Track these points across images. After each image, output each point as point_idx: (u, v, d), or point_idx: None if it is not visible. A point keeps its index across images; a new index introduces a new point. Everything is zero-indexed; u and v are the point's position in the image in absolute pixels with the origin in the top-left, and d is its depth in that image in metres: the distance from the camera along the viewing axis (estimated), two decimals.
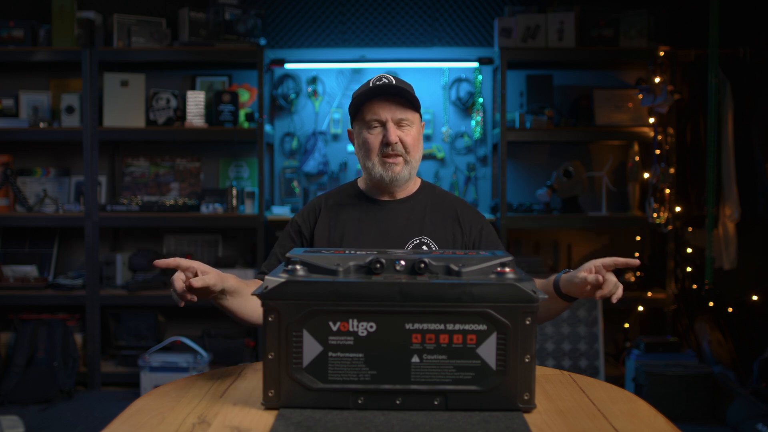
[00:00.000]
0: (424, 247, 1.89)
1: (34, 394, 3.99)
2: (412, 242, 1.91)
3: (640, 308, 4.38)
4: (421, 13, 4.55)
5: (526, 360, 1.28)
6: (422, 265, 1.33)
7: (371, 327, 1.27)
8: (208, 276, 1.57)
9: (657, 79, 4.13)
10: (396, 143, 1.88)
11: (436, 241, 1.92)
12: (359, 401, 1.29)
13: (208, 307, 4.56)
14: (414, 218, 1.95)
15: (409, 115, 1.90)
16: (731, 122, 4.20)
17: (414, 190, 2.01)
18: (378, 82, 1.88)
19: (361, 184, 2.03)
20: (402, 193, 1.99)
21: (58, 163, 4.64)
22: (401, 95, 1.87)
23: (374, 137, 1.90)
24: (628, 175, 4.46)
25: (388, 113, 1.88)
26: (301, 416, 1.26)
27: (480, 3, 4.54)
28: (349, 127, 2.01)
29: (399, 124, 1.89)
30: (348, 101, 4.54)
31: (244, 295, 1.70)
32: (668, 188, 4.16)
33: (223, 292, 1.64)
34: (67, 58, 4.25)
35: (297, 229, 1.99)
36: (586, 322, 4.22)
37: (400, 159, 1.90)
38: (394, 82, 1.89)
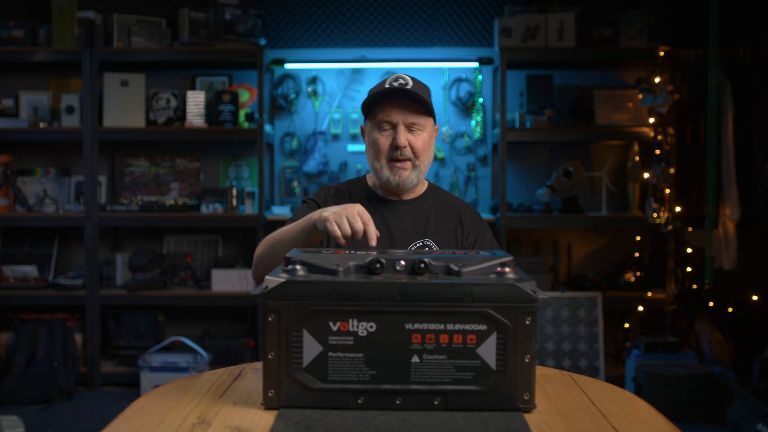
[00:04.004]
0: (427, 250, 1.89)
1: (34, 394, 3.99)
2: (416, 244, 1.91)
3: (640, 308, 4.38)
4: (421, 13, 4.55)
5: (526, 360, 1.28)
6: (422, 265, 1.33)
7: (371, 327, 1.27)
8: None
9: (657, 79, 4.13)
10: (405, 147, 1.87)
11: (439, 243, 1.92)
12: (359, 401, 1.29)
13: (208, 307, 4.56)
14: (419, 220, 1.95)
15: (422, 120, 1.88)
16: (731, 122, 4.20)
17: (421, 192, 2.01)
18: (395, 83, 1.86)
19: (370, 180, 2.03)
20: (409, 195, 1.99)
21: (58, 163, 4.64)
22: (416, 99, 1.85)
23: (384, 139, 1.88)
24: (628, 175, 4.46)
25: (400, 116, 1.86)
26: (301, 416, 1.26)
27: (480, 3, 4.54)
28: (362, 123, 2.00)
29: (410, 128, 1.87)
30: (348, 101, 4.57)
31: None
32: (668, 188, 4.16)
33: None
34: (67, 58, 4.25)
35: (314, 203, 1.98)
36: (586, 322, 4.22)
37: (409, 164, 1.89)
38: (411, 84, 1.86)
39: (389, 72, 4.52)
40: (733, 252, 4.22)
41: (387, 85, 1.87)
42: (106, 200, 4.54)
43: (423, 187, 2.02)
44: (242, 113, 4.37)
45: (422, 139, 1.89)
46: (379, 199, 1.98)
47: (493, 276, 1.31)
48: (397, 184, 1.90)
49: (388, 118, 1.87)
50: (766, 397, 3.52)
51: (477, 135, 4.53)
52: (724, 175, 4.21)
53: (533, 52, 4.22)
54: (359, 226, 1.62)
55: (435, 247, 1.90)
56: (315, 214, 1.70)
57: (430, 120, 1.92)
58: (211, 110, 4.38)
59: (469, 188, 4.58)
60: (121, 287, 4.34)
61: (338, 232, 1.62)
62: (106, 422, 1.29)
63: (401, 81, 1.87)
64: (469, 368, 1.28)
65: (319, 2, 4.55)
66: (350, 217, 1.63)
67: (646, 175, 4.28)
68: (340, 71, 4.57)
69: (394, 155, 1.88)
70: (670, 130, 4.22)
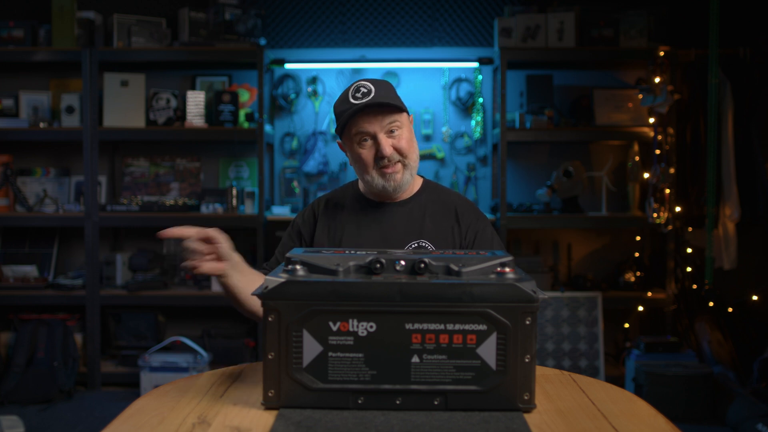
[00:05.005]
0: (422, 251, 1.87)
1: (34, 394, 3.99)
2: (411, 245, 1.88)
3: (640, 308, 4.38)
4: (421, 13, 4.55)
5: (526, 360, 1.28)
6: (422, 265, 1.33)
7: (371, 327, 1.27)
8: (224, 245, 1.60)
9: (657, 79, 4.13)
10: (391, 154, 1.83)
11: (434, 243, 1.89)
12: (359, 401, 1.29)
13: (208, 307, 4.56)
14: (413, 220, 1.92)
15: (396, 118, 1.84)
16: (731, 122, 4.20)
17: (415, 190, 1.97)
18: (357, 94, 1.81)
19: (361, 185, 2.01)
20: (403, 195, 1.95)
21: (58, 163, 4.64)
22: (384, 106, 1.81)
23: (367, 152, 1.84)
24: (628, 175, 4.46)
25: (376, 126, 1.82)
26: (301, 416, 1.26)
27: (480, 3, 4.54)
28: (338, 139, 1.95)
29: (388, 130, 1.84)
30: None
31: (247, 274, 1.70)
32: (668, 188, 4.16)
33: (231, 266, 1.64)
34: (67, 58, 4.25)
35: (297, 230, 1.99)
36: (586, 322, 4.22)
37: (399, 166, 1.86)
38: (373, 90, 1.81)
39: (389, 72, 4.52)
40: (733, 252, 4.22)
41: (351, 99, 1.82)
42: (106, 200, 4.54)
43: (416, 186, 1.98)
44: (242, 113, 4.37)
45: (404, 137, 1.86)
46: (370, 204, 1.96)
47: (493, 276, 1.31)
48: (393, 188, 1.87)
49: (365, 131, 1.83)
50: (766, 397, 3.52)
51: (477, 135, 4.53)
52: (724, 175, 4.21)
53: (533, 52, 4.22)
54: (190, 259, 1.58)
55: (431, 248, 1.88)
56: None
57: (404, 114, 1.87)
58: (211, 110, 4.38)
59: (469, 188, 4.58)
60: (121, 287, 4.34)
61: (196, 267, 1.58)
62: (106, 422, 1.29)
63: (363, 90, 1.82)
64: (469, 368, 1.28)
65: (319, 2, 4.55)
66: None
67: (646, 175, 4.29)
68: (340, 71, 4.57)
69: (383, 164, 1.84)
70: (670, 130, 4.22)
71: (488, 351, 1.28)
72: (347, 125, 1.85)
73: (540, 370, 1.59)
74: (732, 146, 4.19)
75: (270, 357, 1.28)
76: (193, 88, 4.57)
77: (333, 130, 4.56)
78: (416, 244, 1.88)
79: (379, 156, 1.84)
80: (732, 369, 3.96)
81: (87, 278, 4.23)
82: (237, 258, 1.65)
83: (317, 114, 4.58)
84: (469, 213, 1.96)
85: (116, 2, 4.46)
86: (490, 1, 4.54)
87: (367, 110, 1.82)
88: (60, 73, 4.56)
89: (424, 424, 1.23)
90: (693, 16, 4.36)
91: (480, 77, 4.52)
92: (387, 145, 1.83)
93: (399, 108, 1.85)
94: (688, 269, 4.33)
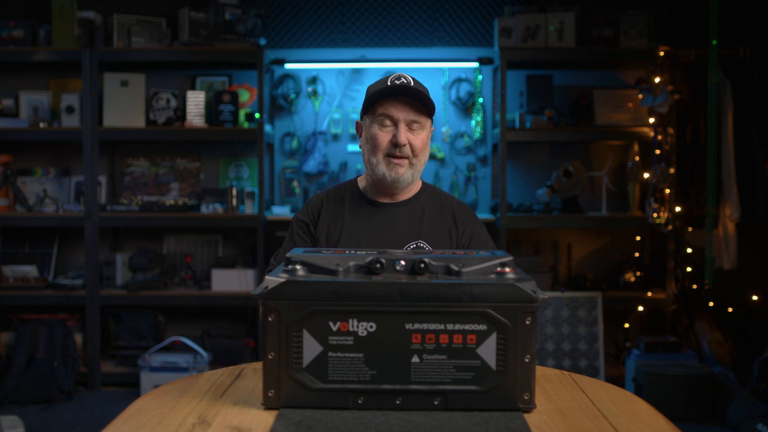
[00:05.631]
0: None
1: (34, 394, 3.98)
2: (409, 246, 1.90)
3: (640, 308, 4.38)
4: (421, 13, 4.55)
5: (526, 360, 1.28)
6: (422, 265, 1.33)
7: (371, 327, 1.27)
8: None
9: (657, 79, 4.13)
10: (405, 145, 1.87)
11: (432, 245, 1.92)
12: (359, 401, 1.29)
13: (208, 307, 4.56)
14: (412, 222, 1.94)
15: (422, 119, 1.89)
16: (731, 122, 4.20)
17: (414, 192, 2.00)
18: (396, 81, 1.88)
19: (361, 183, 2.02)
20: (402, 195, 1.97)
21: (58, 163, 4.64)
22: (418, 98, 1.87)
23: (384, 134, 1.89)
24: (628, 175, 4.46)
25: (401, 113, 1.87)
26: (301, 416, 1.26)
27: (480, 3, 4.54)
28: (358, 118, 2.00)
29: (410, 126, 1.88)
30: (348, 101, 4.57)
31: None
32: (668, 188, 4.16)
33: None
34: (67, 58, 4.25)
35: (305, 229, 1.99)
36: (586, 322, 4.22)
37: (406, 161, 1.89)
38: (412, 83, 1.88)
39: (389, 72, 4.52)
40: (733, 252, 4.22)
41: (389, 83, 1.88)
42: (106, 200, 4.54)
43: (416, 187, 2.01)
44: (242, 113, 4.37)
45: (421, 138, 1.90)
46: (369, 203, 1.97)
47: (493, 276, 1.31)
48: (392, 180, 1.90)
49: (390, 114, 1.88)
50: (766, 397, 3.52)
51: (477, 135, 4.53)
52: (724, 175, 4.21)
53: (533, 52, 4.22)
54: None
55: (429, 249, 1.90)
56: None
57: (429, 120, 1.93)
58: (211, 110, 4.38)
59: (469, 188, 4.58)
60: (121, 287, 4.34)
61: None
62: (106, 422, 1.29)
63: (403, 80, 1.88)
64: (469, 368, 1.28)
65: (319, 2, 4.55)
66: None
67: (646, 175, 4.28)
68: (340, 71, 4.57)
69: (393, 152, 1.88)
70: (670, 130, 4.22)
71: (488, 351, 1.28)
72: (376, 104, 1.89)
73: (540, 370, 1.59)
74: (732, 146, 4.19)
75: (270, 357, 1.28)
76: (193, 88, 4.57)
77: (333, 130, 4.56)
78: (414, 245, 1.90)
79: (393, 143, 1.88)
80: (732, 369, 3.96)
81: (87, 278, 4.23)
82: None
83: (317, 114, 4.58)
84: (465, 216, 2.00)
85: (116, 2, 4.46)
86: (490, 1, 4.54)
87: (399, 97, 1.87)
88: (60, 73, 4.56)
89: (424, 424, 1.23)
90: (693, 16, 4.36)
91: (480, 77, 4.52)
92: (404, 135, 1.88)
93: (428, 110, 1.90)
94: (688, 269, 4.33)
